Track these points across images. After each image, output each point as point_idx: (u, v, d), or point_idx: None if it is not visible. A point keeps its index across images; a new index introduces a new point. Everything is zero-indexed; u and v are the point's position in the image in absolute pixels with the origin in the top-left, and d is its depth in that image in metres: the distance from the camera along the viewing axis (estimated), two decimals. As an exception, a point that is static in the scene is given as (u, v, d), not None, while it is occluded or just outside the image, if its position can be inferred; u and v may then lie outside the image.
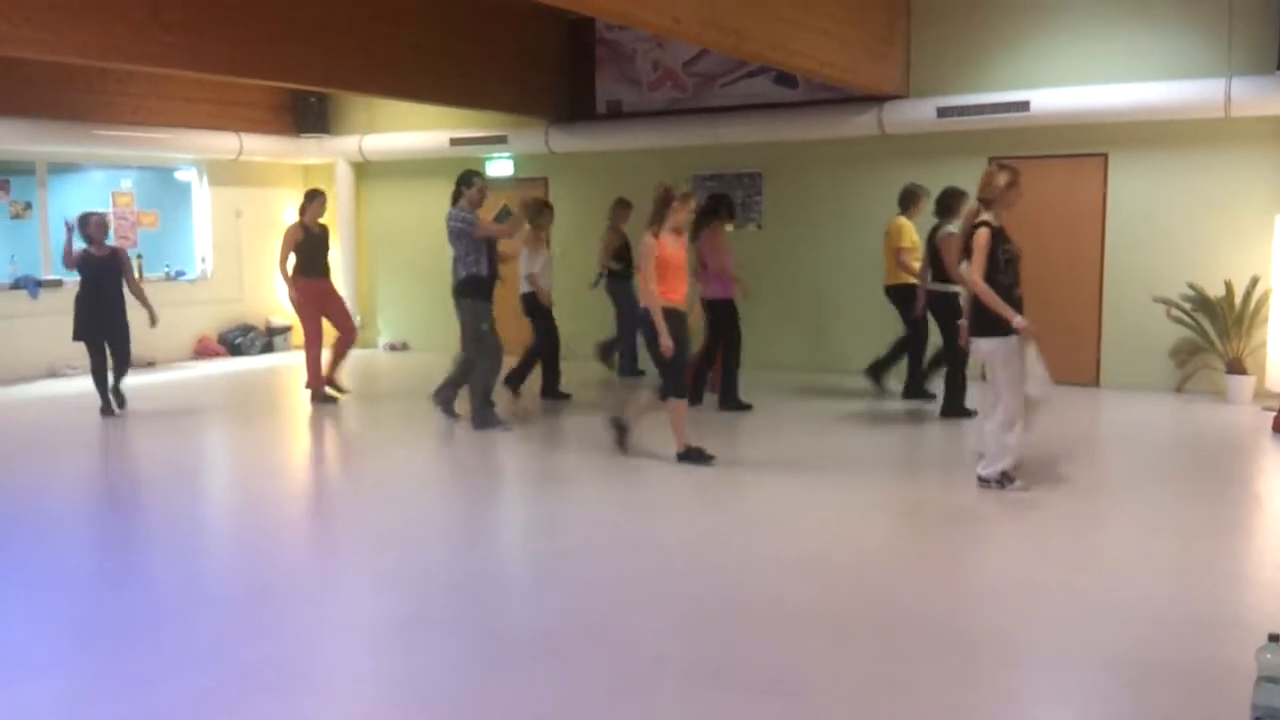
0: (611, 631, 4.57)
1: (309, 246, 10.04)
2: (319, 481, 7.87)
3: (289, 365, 12.94)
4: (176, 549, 5.98)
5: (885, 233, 9.79)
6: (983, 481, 6.72)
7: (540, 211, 10.11)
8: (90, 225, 9.63)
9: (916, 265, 9.43)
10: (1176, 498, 6.66)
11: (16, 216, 12.39)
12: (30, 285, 12.06)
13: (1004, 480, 6.67)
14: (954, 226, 8.43)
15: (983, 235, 6.54)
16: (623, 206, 11.12)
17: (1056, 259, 10.61)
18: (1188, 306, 9.91)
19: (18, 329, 11.85)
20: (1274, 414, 8.55)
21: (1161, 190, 10.17)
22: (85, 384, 10.30)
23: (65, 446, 8.59)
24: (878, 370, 10.09)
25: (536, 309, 10.00)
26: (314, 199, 10.21)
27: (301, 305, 10.12)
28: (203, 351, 13.74)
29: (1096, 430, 8.67)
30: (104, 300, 9.54)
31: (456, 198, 8.83)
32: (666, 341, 7.20)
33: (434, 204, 13.94)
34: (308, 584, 5.42)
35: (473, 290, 8.67)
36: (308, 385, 10.28)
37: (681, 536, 5.99)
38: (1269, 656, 3.51)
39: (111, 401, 9.62)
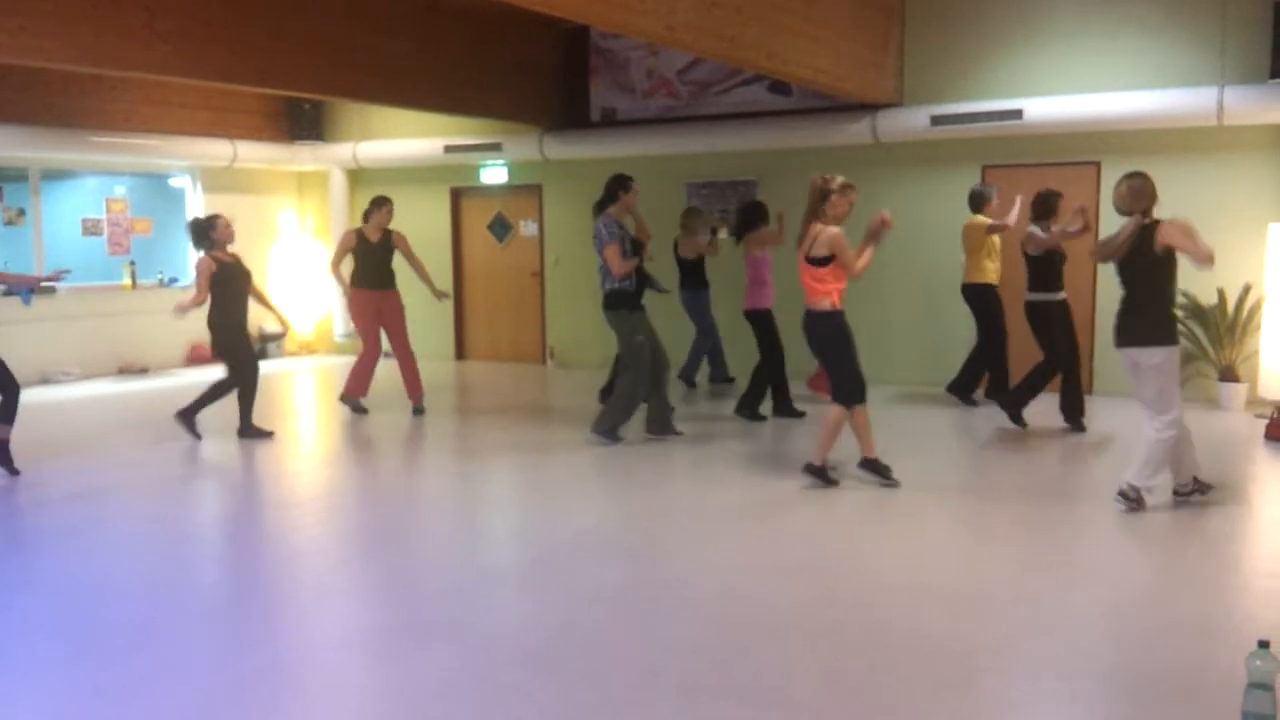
0: (605, 641, 4.56)
1: (364, 255, 9.91)
2: (306, 489, 7.87)
3: (282, 372, 12.94)
4: (167, 556, 5.97)
5: (964, 232, 9.89)
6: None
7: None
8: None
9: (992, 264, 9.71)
10: (1168, 505, 6.66)
11: (10, 223, 12.37)
12: (23, 292, 12.04)
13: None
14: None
15: None
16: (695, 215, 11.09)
17: (1050, 267, 10.64)
18: (1180, 314, 9.92)
19: (11, 335, 11.81)
20: (1266, 421, 8.57)
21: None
22: (80, 389, 10.33)
23: (54, 452, 8.57)
24: (962, 390, 10.08)
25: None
26: (380, 206, 9.95)
27: (354, 315, 10.09)
28: (196, 359, 13.71)
29: (1088, 437, 8.67)
30: None
31: (605, 204, 8.56)
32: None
33: (429, 211, 14.03)
34: (300, 594, 5.42)
35: (617, 302, 8.41)
36: (342, 396, 10.14)
37: (675, 542, 5.99)
38: (1259, 663, 3.52)
39: None
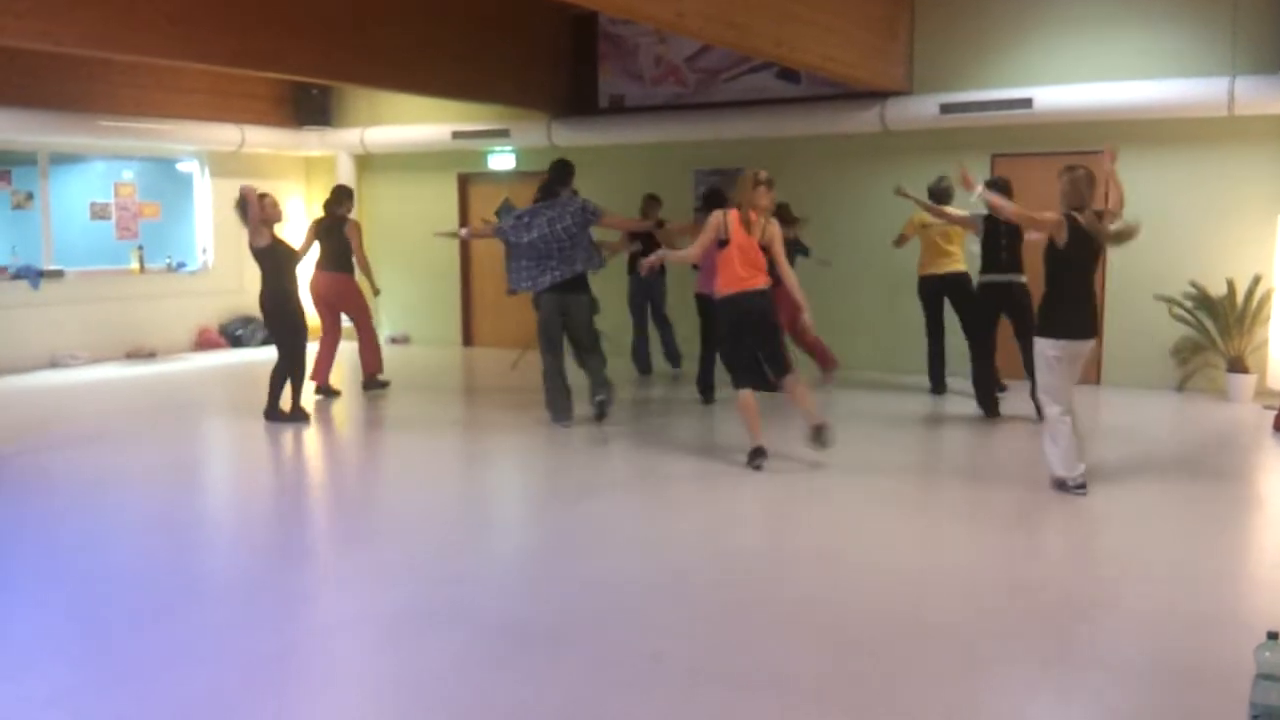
0: (610, 628, 4.57)
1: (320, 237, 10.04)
2: (322, 475, 7.88)
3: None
4: (177, 542, 5.99)
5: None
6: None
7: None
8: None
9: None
10: (1176, 496, 6.66)
11: (18, 207, 12.39)
12: (31, 276, 12.06)
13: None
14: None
15: None
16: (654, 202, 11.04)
17: (1058, 256, 10.62)
18: (1189, 305, 9.91)
19: (19, 319, 11.86)
20: (1275, 412, 8.55)
21: (1164, 188, 10.15)
22: (88, 374, 10.34)
23: (62, 437, 8.60)
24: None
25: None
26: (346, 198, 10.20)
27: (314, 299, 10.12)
28: (203, 343, 13.74)
29: (1096, 428, 8.65)
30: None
31: (554, 188, 8.84)
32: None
33: (436, 197, 14.03)
34: (310, 579, 5.43)
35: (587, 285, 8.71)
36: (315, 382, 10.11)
37: (679, 532, 6.00)
38: (1268, 654, 3.51)
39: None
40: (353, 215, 10.23)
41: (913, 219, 9.81)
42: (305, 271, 9.60)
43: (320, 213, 10.28)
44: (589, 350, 8.67)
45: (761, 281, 7.22)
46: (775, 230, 7.32)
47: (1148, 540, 5.79)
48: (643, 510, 6.49)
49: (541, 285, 8.56)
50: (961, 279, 9.62)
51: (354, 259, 10.08)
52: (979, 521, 6.21)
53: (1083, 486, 6.49)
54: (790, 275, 7.43)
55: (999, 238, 8.78)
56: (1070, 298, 6.52)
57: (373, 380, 10.32)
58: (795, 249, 9.67)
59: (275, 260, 8.84)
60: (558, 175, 8.96)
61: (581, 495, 6.79)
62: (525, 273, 8.67)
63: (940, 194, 9.56)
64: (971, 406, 9.06)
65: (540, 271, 8.57)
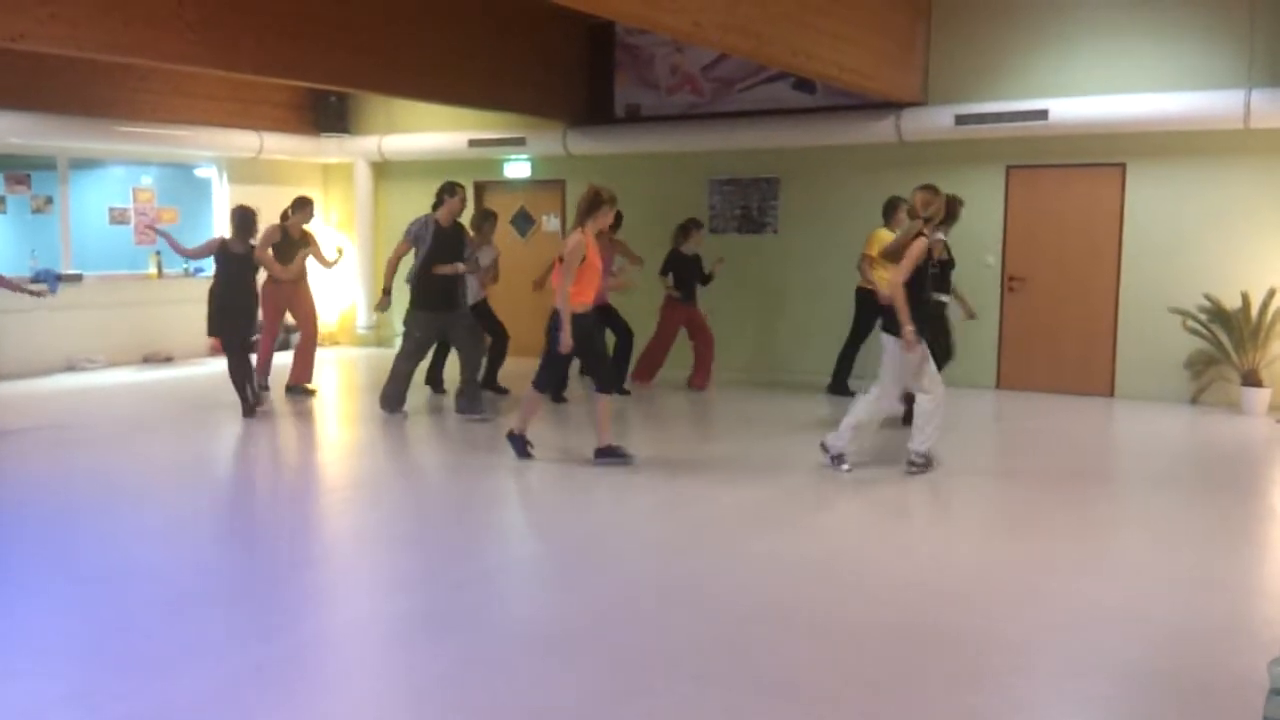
0: (623, 632, 4.59)
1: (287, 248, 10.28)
2: (333, 476, 7.92)
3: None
4: (191, 542, 6.03)
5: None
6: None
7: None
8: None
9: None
10: (1189, 508, 6.65)
11: (38, 211, 12.48)
12: (50, 279, 12.14)
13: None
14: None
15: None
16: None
17: (1072, 268, 10.62)
18: (1203, 318, 9.89)
19: (37, 323, 11.93)
20: (1289, 427, 8.54)
21: (1179, 201, 10.15)
22: (104, 377, 10.39)
23: (78, 439, 8.65)
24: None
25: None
26: (302, 207, 10.45)
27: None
28: (219, 348, 13.77)
29: (1110, 440, 8.65)
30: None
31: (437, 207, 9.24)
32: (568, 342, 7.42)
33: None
34: (318, 580, 5.46)
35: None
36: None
37: (686, 538, 6.01)
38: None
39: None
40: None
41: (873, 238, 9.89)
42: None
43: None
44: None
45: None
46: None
47: (1160, 552, 5.78)
48: (661, 516, 6.50)
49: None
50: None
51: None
52: (988, 530, 6.22)
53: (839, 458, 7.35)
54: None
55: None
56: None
57: (298, 387, 10.56)
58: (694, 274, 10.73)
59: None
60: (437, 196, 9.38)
61: (583, 498, 6.81)
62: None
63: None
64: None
65: None
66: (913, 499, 6.89)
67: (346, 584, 5.42)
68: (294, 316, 10.70)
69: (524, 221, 13.93)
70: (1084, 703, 3.99)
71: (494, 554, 5.89)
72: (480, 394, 9.44)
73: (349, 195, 14.78)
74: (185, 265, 13.58)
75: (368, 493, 7.26)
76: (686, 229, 10.75)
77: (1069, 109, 10.11)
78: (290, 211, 10.36)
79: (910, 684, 4.07)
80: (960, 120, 10.58)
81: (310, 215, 10.51)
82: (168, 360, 13.06)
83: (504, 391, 10.53)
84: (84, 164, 12.90)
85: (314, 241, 10.48)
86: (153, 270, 13.28)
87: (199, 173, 14.05)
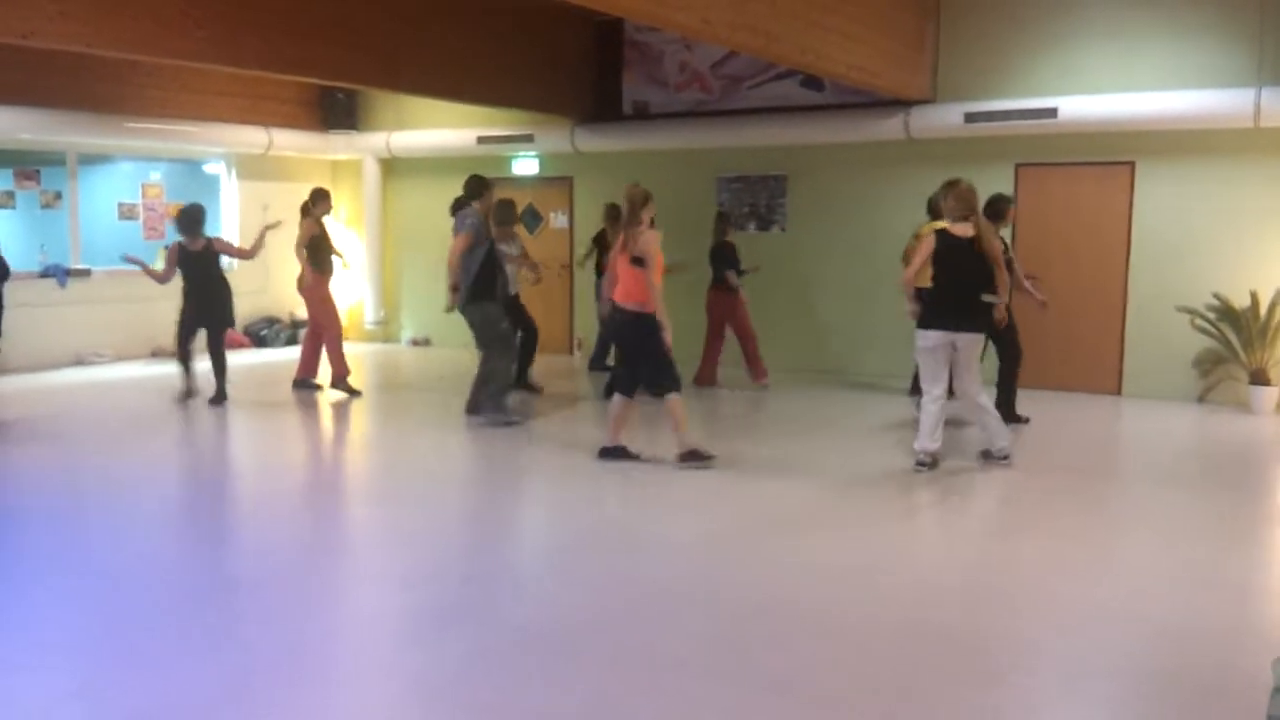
0: (631, 630, 4.60)
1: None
2: (341, 473, 7.94)
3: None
4: (199, 536, 6.05)
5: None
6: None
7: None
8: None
9: None
10: (1196, 508, 6.64)
11: (47, 206, 12.52)
12: (59, 274, 12.19)
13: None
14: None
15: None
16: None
17: (1080, 266, 10.60)
18: (1212, 316, 9.87)
19: (46, 317, 11.97)
20: (1298, 426, 8.52)
21: (1188, 199, 10.13)
22: (112, 371, 10.45)
23: (86, 433, 8.68)
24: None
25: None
26: (322, 199, 10.49)
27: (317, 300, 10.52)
28: (228, 343, 13.79)
29: (1117, 439, 8.64)
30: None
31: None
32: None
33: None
34: (326, 574, 5.48)
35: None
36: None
37: (696, 536, 6.01)
38: (1285, 668, 3.50)
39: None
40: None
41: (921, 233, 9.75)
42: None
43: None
44: (483, 354, 9.00)
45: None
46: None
47: (1167, 551, 5.77)
48: (655, 512, 6.50)
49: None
50: None
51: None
52: (996, 529, 6.22)
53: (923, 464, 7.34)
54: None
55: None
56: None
57: (305, 383, 10.65)
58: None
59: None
60: (467, 190, 9.17)
61: (601, 495, 6.82)
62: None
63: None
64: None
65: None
66: (916, 498, 6.88)
67: (353, 579, 5.43)
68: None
69: (532, 218, 13.93)
70: (1091, 702, 3.99)
71: (507, 550, 5.90)
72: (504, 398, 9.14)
73: (357, 192, 14.79)
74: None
75: (382, 488, 7.28)
76: (727, 219, 10.84)
77: (1078, 107, 10.09)
78: (311, 205, 10.32)
79: (919, 683, 4.07)
80: (970, 118, 10.57)
81: (329, 207, 10.52)
82: (176, 356, 13.09)
83: (537, 390, 10.44)
84: (93, 160, 12.94)
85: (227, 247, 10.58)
86: (161, 265, 13.28)
87: (208, 168, 14.08)
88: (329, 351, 10.41)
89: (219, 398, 9.73)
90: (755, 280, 11.03)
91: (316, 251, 10.25)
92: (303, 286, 10.35)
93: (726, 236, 10.65)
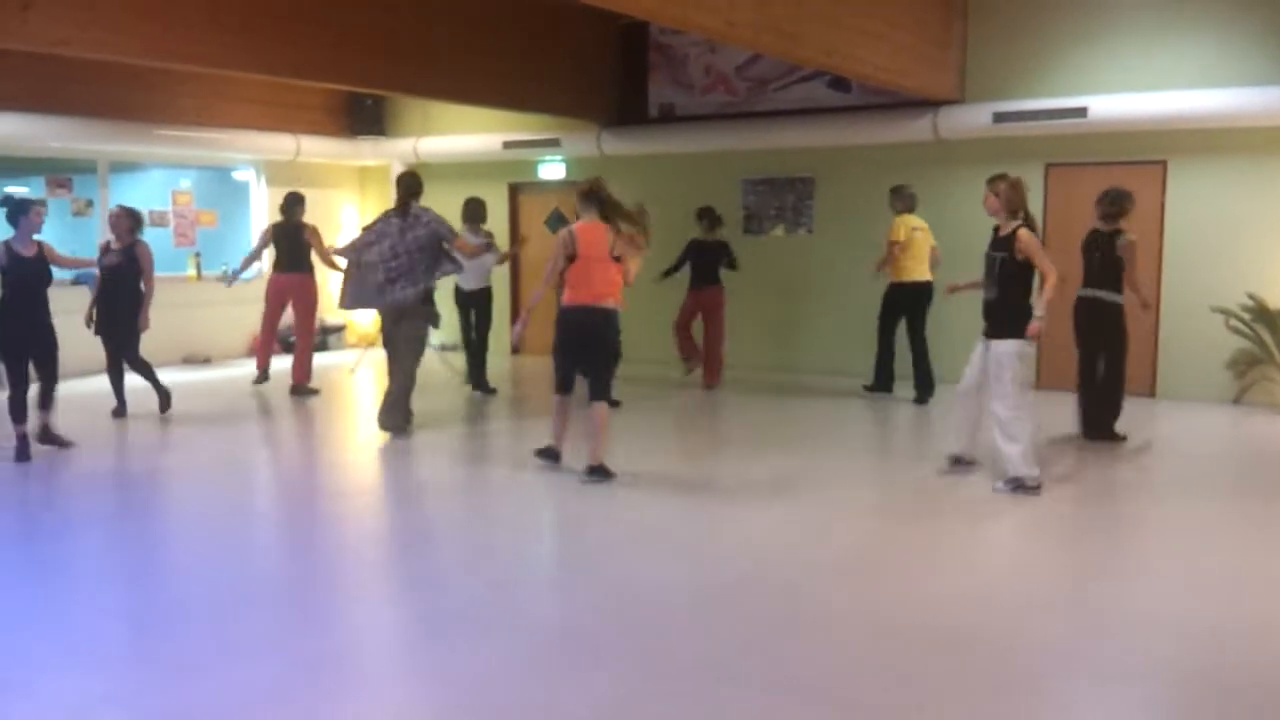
0: (658, 634, 4.57)
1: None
2: (368, 481, 7.96)
3: (341, 363, 13.07)
4: (231, 541, 6.07)
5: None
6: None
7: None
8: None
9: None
10: (1231, 510, 6.56)
11: (78, 214, 12.63)
12: (90, 281, 12.25)
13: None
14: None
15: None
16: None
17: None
18: (1246, 317, 9.75)
19: (76, 324, 12.02)
20: (1335, 427, 8.40)
21: (1221, 199, 10.02)
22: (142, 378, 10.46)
23: (118, 439, 8.74)
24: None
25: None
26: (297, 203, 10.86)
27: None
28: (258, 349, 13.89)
29: (1151, 441, 8.54)
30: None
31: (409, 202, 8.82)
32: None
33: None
34: (359, 579, 5.48)
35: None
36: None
37: (720, 540, 5.99)
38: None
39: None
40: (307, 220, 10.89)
41: (898, 226, 9.93)
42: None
43: (280, 217, 10.94)
44: (399, 364, 8.64)
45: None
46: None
47: (1200, 554, 5.69)
48: (698, 516, 6.48)
49: (385, 300, 8.50)
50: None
51: (314, 258, 10.77)
52: (1028, 534, 6.16)
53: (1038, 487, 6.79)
54: None
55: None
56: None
57: (301, 388, 10.76)
58: None
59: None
60: (410, 188, 8.95)
61: (624, 500, 6.80)
62: (365, 290, 8.56)
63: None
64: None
65: (385, 286, 8.47)
66: (944, 502, 6.82)
67: (382, 584, 5.43)
68: (298, 309, 10.99)
69: (558, 222, 13.89)
70: (1125, 707, 3.94)
71: (527, 556, 5.90)
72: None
73: (385, 198, 14.82)
74: (224, 267, 13.69)
75: (399, 496, 7.29)
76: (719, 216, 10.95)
77: (1109, 106, 9.99)
78: (287, 209, 10.75)
79: (946, 687, 4.03)
80: (999, 118, 10.49)
81: (303, 210, 10.88)
82: (206, 361, 13.18)
83: (492, 391, 10.72)
84: (124, 167, 13.04)
85: (318, 238, 10.84)
86: (191, 272, 13.42)
87: (237, 175, 14.17)
88: (304, 353, 10.79)
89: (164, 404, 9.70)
90: (784, 282, 11.01)
91: (307, 252, 10.66)
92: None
93: (716, 233, 10.82)
